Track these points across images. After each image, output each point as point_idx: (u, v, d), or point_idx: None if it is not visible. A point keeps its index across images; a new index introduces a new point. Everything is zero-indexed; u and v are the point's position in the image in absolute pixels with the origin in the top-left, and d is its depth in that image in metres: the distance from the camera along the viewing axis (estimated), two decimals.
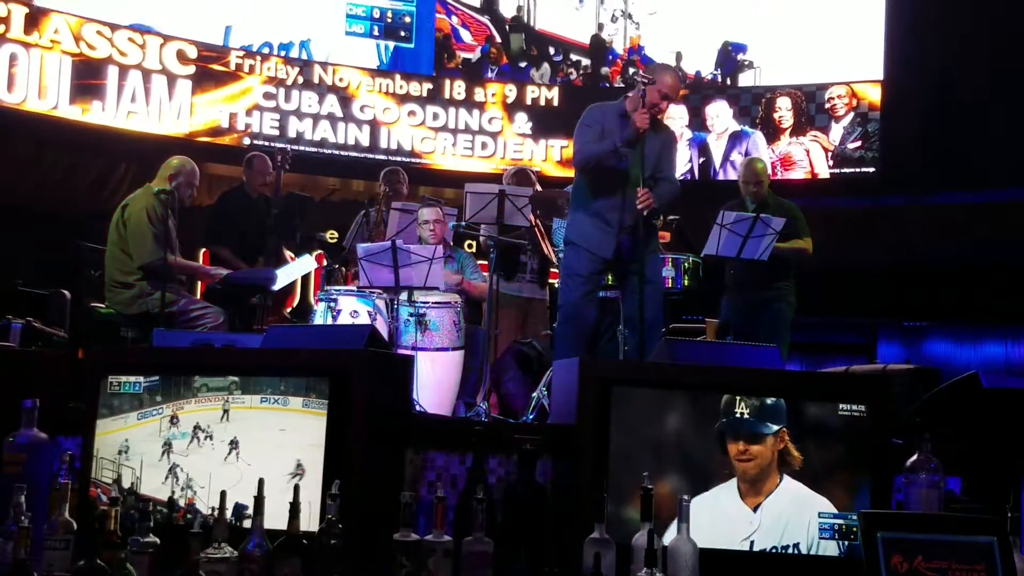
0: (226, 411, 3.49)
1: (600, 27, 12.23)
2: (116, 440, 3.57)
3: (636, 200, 5.09)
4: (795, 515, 3.49)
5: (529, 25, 12.25)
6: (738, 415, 3.55)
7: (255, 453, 3.42)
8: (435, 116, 11.42)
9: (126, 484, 3.48)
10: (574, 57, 12.26)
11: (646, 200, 5.10)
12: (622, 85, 11.75)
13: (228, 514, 3.09)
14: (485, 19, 12.22)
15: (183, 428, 3.51)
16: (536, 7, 12.33)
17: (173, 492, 3.42)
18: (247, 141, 10.53)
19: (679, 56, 11.80)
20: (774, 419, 3.56)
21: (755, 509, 3.49)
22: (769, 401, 3.57)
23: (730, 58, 11.89)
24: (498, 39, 12.18)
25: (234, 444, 3.46)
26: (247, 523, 3.10)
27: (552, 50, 12.28)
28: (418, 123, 11.36)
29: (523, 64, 12.09)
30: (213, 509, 3.11)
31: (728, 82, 11.85)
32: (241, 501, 3.24)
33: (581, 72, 12.19)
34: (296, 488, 3.01)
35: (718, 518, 3.41)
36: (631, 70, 12.05)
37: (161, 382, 3.57)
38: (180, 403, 3.54)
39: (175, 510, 3.40)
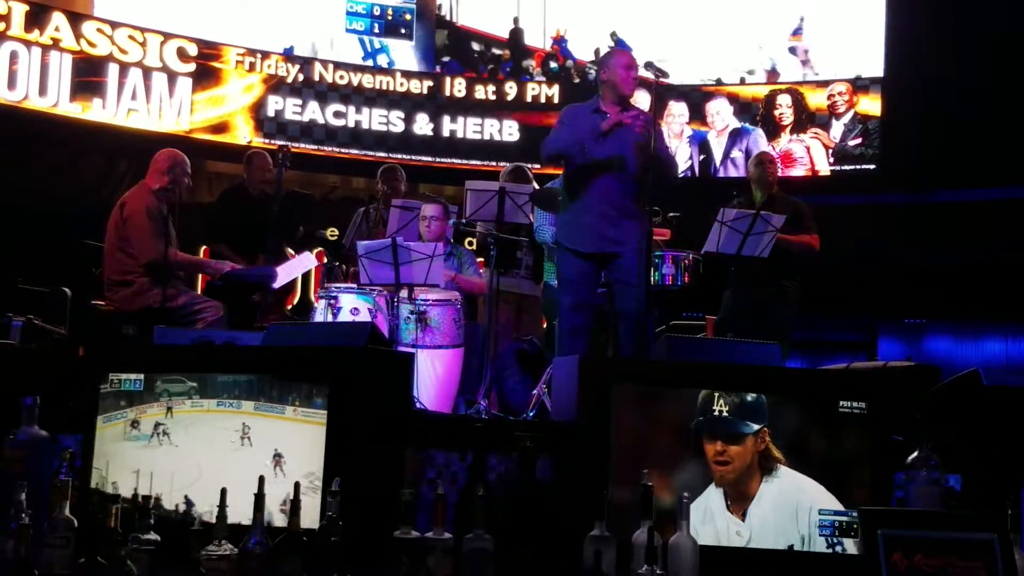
0: (169, 408, 3.60)
1: (516, 20, 12.19)
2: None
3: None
4: (784, 513, 3.41)
5: (451, 22, 12.22)
6: (716, 412, 3.43)
7: (212, 455, 3.50)
8: (435, 114, 11.41)
9: (92, 484, 3.55)
10: (496, 51, 12.23)
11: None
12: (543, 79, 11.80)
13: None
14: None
15: (144, 430, 3.61)
16: (458, 3, 12.30)
17: (136, 491, 3.42)
18: (247, 139, 10.53)
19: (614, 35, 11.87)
20: (755, 417, 3.44)
21: (743, 517, 3.42)
22: (749, 398, 3.44)
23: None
24: None
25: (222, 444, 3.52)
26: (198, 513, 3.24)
27: (475, 45, 12.26)
28: (418, 121, 11.35)
29: (446, 59, 12.07)
30: (177, 506, 3.17)
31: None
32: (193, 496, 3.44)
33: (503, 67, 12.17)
34: (296, 485, 3.01)
35: (708, 530, 3.33)
36: (552, 64, 12.05)
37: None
38: (143, 407, 3.63)
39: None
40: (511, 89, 11.60)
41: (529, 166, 7.09)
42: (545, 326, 6.53)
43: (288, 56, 11.05)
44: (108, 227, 5.94)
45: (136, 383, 3.63)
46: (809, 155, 11.41)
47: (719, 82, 11.78)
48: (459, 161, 11.27)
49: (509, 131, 11.51)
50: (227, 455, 3.49)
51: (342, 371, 3.45)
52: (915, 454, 3.46)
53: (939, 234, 10.85)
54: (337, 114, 11.13)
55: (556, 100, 11.45)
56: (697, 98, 11.65)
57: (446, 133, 11.42)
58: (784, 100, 11.48)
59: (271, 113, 10.87)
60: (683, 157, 11.40)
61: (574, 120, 5.35)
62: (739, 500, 3.43)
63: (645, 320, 5.01)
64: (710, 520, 3.39)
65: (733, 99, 11.64)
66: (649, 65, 5.29)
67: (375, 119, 11.25)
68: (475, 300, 6.47)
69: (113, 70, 10.07)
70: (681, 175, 11.30)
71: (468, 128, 11.48)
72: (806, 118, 11.43)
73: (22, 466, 3.34)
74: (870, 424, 3.56)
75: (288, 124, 10.91)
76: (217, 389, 3.57)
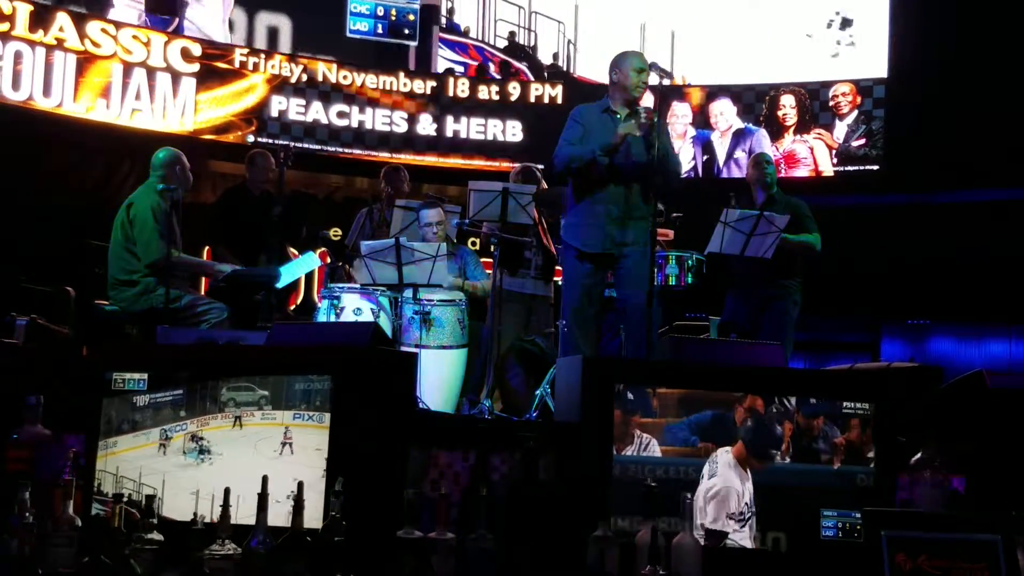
0: (238, 418, 3.39)
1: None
2: (138, 458, 3.47)
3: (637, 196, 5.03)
4: None
5: (567, 71, 12.13)
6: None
7: (290, 472, 3.24)
8: (439, 114, 11.41)
9: (154, 507, 3.13)
10: None
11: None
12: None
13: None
14: (523, 66, 12.14)
15: (206, 444, 3.40)
16: (576, 53, 12.20)
17: (196, 511, 3.24)
18: (251, 139, 10.54)
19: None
20: None
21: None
22: None
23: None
24: None
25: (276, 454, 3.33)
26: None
27: None
28: (422, 120, 11.36)
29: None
30: None
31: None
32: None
33: None
34: (300, 485, 3.00)
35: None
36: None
37: (185, 396, 3.43)
38: (205, 419, 3.40)
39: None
40: (514, 89, 11.59)
41: (537, 167, 7.08)
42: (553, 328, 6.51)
43: (291, 56, 11.06)
44: (114, 227, 5.95)
45: (140, 382, 3.59)
46: (812, 156, 11.40)
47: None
48: (462, 161, 11.27)
49: (512, 131, 11.51)
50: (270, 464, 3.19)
51: (345, 371, 3.45)
52: (919, 455, 3.46)
53: (942, 235, 10.84)
54: (340, 114, 11.13)
55: (560, 100, 11.45)
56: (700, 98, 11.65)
57: (449, 133, 11.42)
58: (788, 100, 11.48)
59: (274, 113, 10.87)
60: (686, 158, 11.40)
61: (587, 118, 5.26)
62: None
63: (650, 321, 4.98)
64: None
65: (737, 99, 11.64)
66: (654, 66, 5.26)
67: (378, 119, 11.25)
68: (483, 301, 6.46)
69: (117, 70, 10.08)
70: (684, 175, 11.30)
71: (471, 128, 11.48)
72: (810, 119, 11.43)
73: (26, 465, 3.35)
74: (874, 425, 3.57)
75: (291, 124, 10.91)
76: (294, 398, 3.30)
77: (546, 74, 12.01)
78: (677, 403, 3.60)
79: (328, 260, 7.45)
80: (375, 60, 11.69)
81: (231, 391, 3.41)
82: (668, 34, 11.90)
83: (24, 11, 9.61)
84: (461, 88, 11.52)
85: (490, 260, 6.20)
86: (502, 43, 11.94)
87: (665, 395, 3.60)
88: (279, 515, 2.95)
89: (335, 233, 8.30)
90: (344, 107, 11.14)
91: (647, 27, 12.14)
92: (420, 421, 4.29)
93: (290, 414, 3.34)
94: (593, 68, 12.09)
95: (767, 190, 6.49)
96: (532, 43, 12.42)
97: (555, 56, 12.10)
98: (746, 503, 3.53)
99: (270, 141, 10.26)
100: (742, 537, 3.49)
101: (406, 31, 11.89)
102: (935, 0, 11.12)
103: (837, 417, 3.60)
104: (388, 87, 11.29)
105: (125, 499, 3.32)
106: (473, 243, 8.61)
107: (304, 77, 11.00)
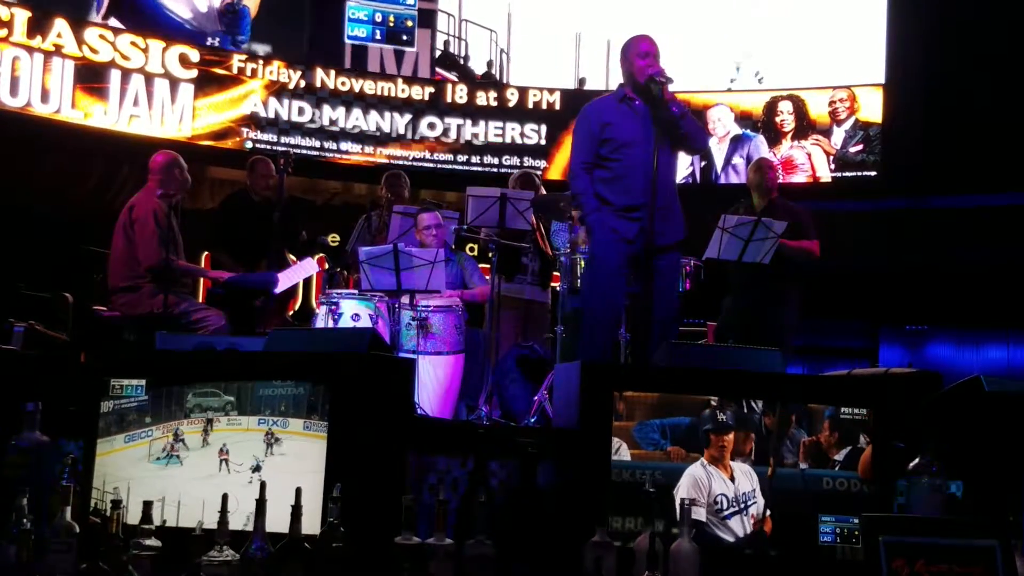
0: (209, 420, 3.34)
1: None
2: (102, 465, 3.46)
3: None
4: None
5: (500, 81, 12.06)
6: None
7: (251, 479, 3.23)
8: (437, 120, 11.42)
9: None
10: None
11: None
12: None
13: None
14: (452, 75, 12.11)
15: (175, 452, 3.37)
16: (509, 62, 12.14)
17: (164, 522, 3.25)
18: (249, 145, 10.55)
19: None
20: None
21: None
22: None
23: None
24: None
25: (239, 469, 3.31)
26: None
27: None
28: (420, 127, 11.37)
29: None
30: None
31: None
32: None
33: None
34: (298, 491, 3.00)
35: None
36: None
37: (151, 401, 3.40)
38: (171, 424, 3.37)
39: None
40: (512, 95, 11.60)
41: (535, 172, 7.10)
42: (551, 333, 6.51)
43: (289, 62, 11.07)
44: (116, 229, 5.95)
45: (138, 389, 3.60)
46: (810, 161, 11.41)
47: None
48: (460, 167, 11.28)
49: (511, 136, 11.51)
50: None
51: (343, 377, 3.45)
52: (917, 461, 3.46)
53: (940, 240, 10.86)
54: (338, 120, 11.13)
55: (558, 106, 11.46)
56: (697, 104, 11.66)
57: (448, 139, 11.42)
58: (785, 107, 11.49)
59: (272, 119, 10.88)
60: (684, 163, 11.40)
61: (599, 118, 5.07)
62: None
63: (662, 326, 4.93)
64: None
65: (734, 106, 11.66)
66: (659, 73, 5.14)
67: (376, 125, 11.25)
68: (480, 306, 6.47)
69: (115, 76, 10.09)
70: (682, 181, 11.32)
71: (469, 134, 11.49)
72: (807, 124, 11.44)
73: (24, 472, 3.34)
74: (872, 431, 3.57)
75: (290, 130, 10.92)
76: (257, 404, 3.27)
77: (478, 83, 12.00)
78: (647, 407, 3.57)
79: (326, 266, 7.46)
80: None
81: (197, 396, 3.38)
82: (604, 43, 11.82)
83: (22, 17, 9.62)
84: (459, 94, 11.53)
85: (488, 266, 6.22)
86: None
87: (633, 398, 3.57)
88: (276, 521, 2.95)
89: (333, 239, 8.32)
90: (342, 113, 11.14)
91: (582, 36, 12.08)
92: (418, 427, 4.29)
93: (255, 419, 3.33)
94: (526, 77, 12.01)
95: (768, 195, 6.50)
96: (464, 52, 12.34)
97: (489, 64, 12.04)
98: (722, 494, 3.52)
99: (268, 147, 10.27)
100: (735, 524, 3.50)
101: (404, 37, 11.91)
102: (932, 6, 11.14)
103: (807, 419, 3.59)
104: (386, 93, 11.30)
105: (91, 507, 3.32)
106: (471, 248, 8.62)
107: (302, 83, 11.01)
